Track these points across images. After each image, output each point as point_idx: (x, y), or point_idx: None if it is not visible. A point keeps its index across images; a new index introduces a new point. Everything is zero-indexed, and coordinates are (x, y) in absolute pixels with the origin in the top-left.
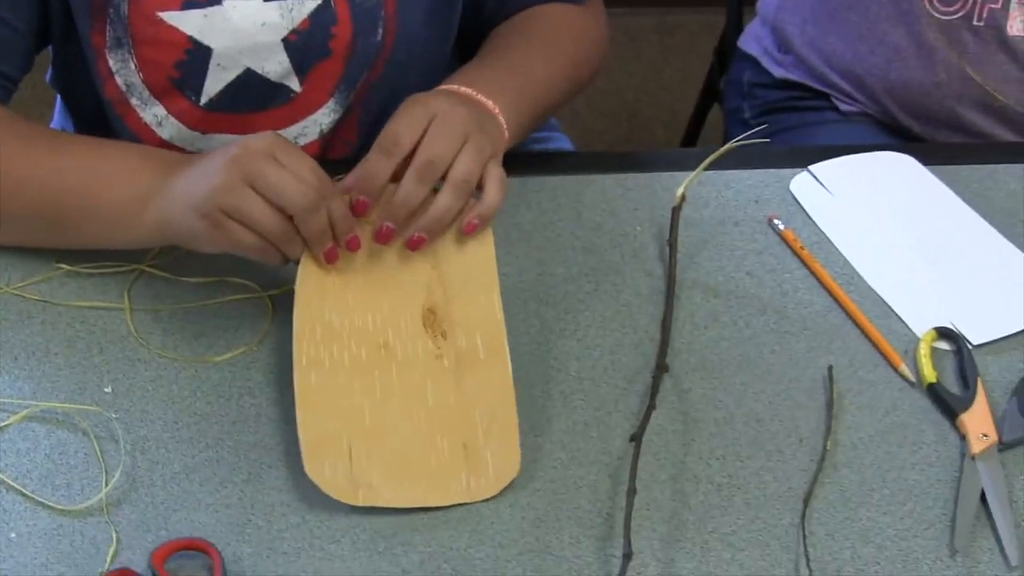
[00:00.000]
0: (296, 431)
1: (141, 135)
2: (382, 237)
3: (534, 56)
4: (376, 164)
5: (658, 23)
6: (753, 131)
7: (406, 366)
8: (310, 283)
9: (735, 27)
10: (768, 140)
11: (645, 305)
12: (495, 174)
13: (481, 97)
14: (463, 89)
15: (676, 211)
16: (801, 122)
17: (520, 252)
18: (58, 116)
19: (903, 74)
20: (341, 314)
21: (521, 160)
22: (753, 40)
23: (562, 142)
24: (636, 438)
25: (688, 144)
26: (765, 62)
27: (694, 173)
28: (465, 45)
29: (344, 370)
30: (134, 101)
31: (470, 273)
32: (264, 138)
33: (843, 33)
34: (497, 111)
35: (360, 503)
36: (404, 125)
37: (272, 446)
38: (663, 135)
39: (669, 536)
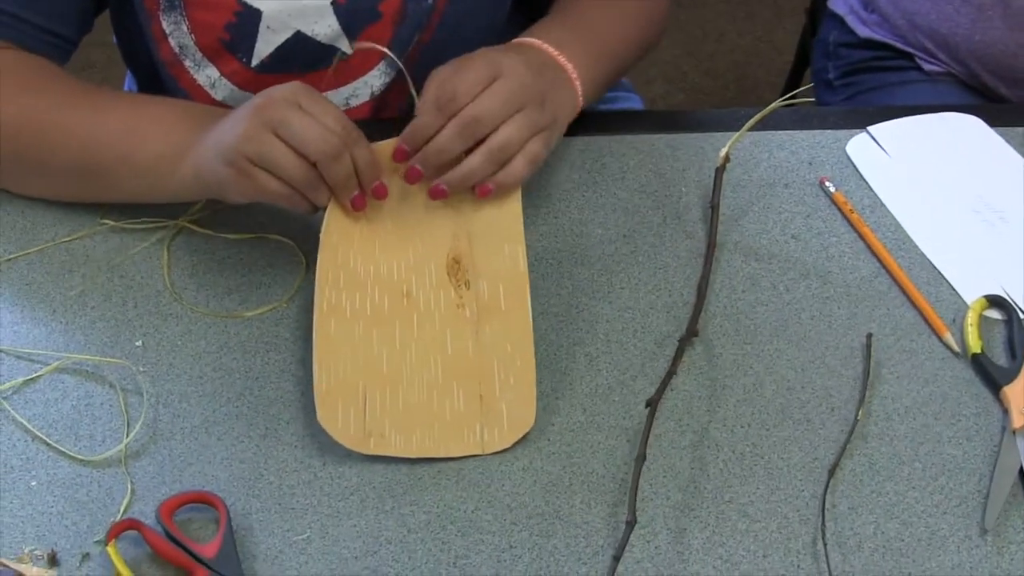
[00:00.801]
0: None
1: (196, 96)
2: (410, 177)
3: (610, 16)
4: (428, 122)
5: None
6: (799, 91)
7: (427, 316)
8: (336, 230)
9: None
10: (813, 100)
11: (683, 268)
12: (531, 150)
13: (562, 59)
14: (545, 47)
15: (719, 172)
16: (884, 82)
17: (559, 212)
18: (129, 77)
19: (988, 34)
20: (366, 262)
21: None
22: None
23: (634, 102)
24: (651, 403)
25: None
26: (850, 21)
27: (738, 134)
28: (534, 5)
29: (365, 318)
30: (188, 63)
31: (496, 224)
32: (289, 87)
33: None
34: (575, 76)
35: (371, 452)
36: (465, 81)
37: (292, 401)
38: (771, 97)
39: (683, 504)
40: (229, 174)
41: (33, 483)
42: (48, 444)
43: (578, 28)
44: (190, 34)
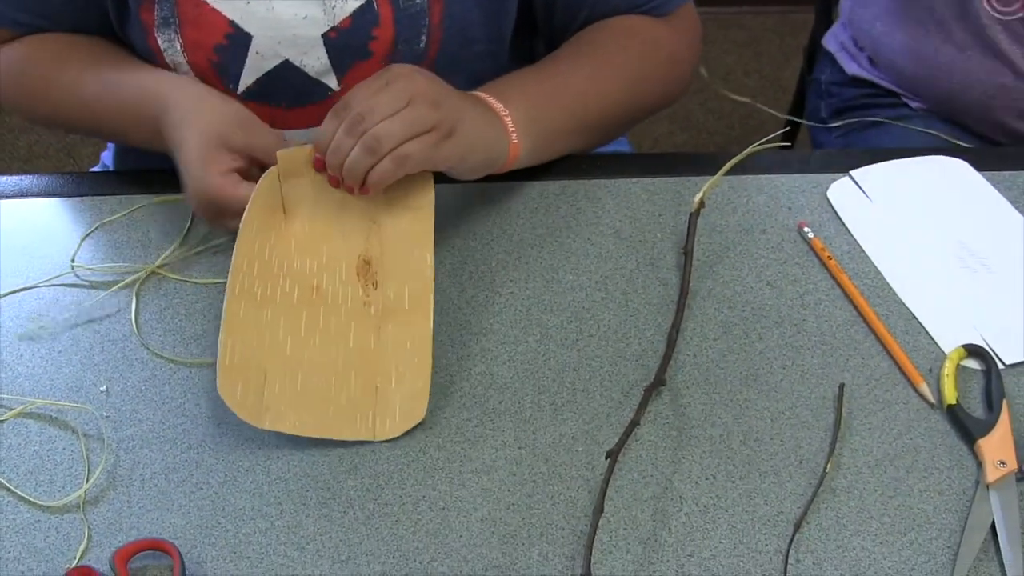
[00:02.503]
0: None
1: None
2: (332, 182)
3: (578, 66)
4: (325, 126)
5: (779, 22)
6: (773, 136)
7: (333, 309)
8: (256, 221)
9: (822, 25)
10: (789, 144)
11: (654, 316)
12: (404, 150)
13: (488, 98)
14: (479, 93)
15: (693, 217)
16: (874, 117)
17: (531, 257)
18: None
19: (967, 76)
20: (280, 256)
21: (541, 165)
22: (833, 37)
23: (621, 145)
24: (611, 455)
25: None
26: (840, 58)
27: (713, 178)
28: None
29: (273, 305)
30: None
31: (408, 228)
32: (205, 188)
33: (910, 30)
34: (504, 113)
35: (265, 427)
36: (359, 89)
37: (253, 449)
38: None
39: (643, 558)
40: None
41: None
42: (8, 489)
43: (528, 75)
44: (183, 52)
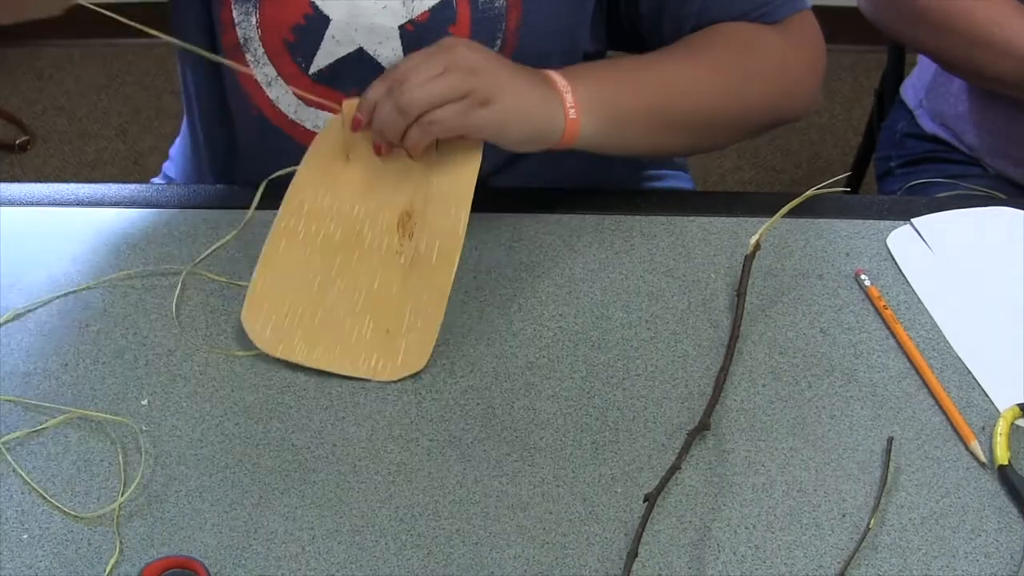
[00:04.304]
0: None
1: (250, 89)
2: (375, 147)
3: (669, 58)
4: (371, 88)
5: (854, 61)
6: (835, 180)
7: (367, 254)
8: (316, 165)
9: (896, 71)
10: (848, 189)
11: (703, 357)
12: (435, 115)
13: (553, 73)
14: (542, 69)
15: (748, 259)
16: (944, 173)
17: (582, 292)
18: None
19: None
20: (333, 198)
21: (599, 197)
22: (911, 89)
23: (683, 181)
24: (650, 498)
25: (853, 191)
26: (919, 114)
27: (770, 220)
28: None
29: (313, 245)
30: (248, 57)
31: (450, 185)
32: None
33: (999, 111)
34: (565, 90)
35: (276, 355)
36: (410, 56)
37: (288, 472)
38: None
39: None
40: None
41: (24, 536)
42: (44, 498)
43: (608, 63)
44: (257, 28)
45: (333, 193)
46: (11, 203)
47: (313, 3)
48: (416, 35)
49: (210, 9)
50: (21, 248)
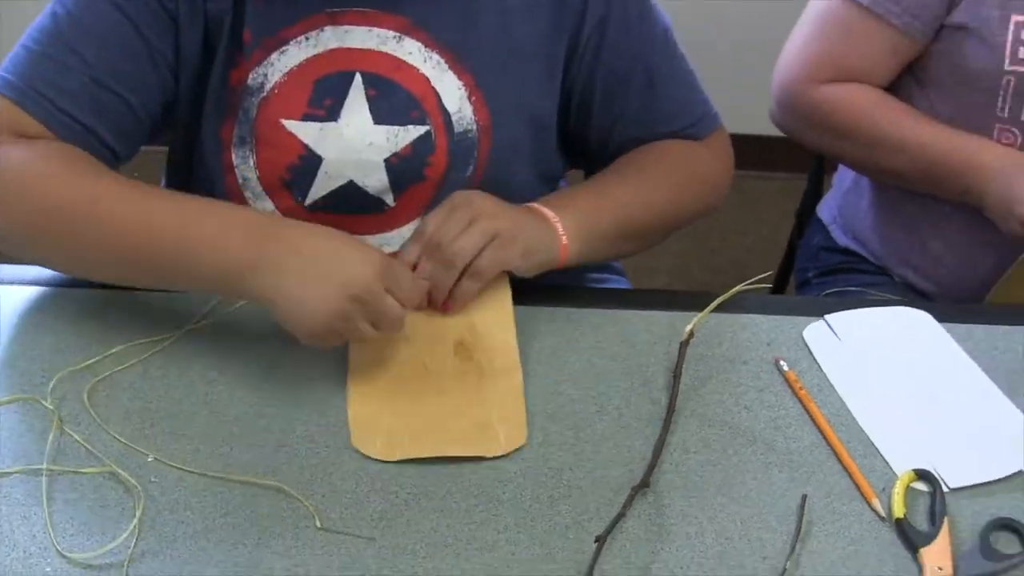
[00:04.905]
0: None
1: None
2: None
3: (622, 177)
4: (406, 249)
5: (778, 188)
6: (760, 277)
7: (438, 376)
8: None
9: (814, 192)
10: (769, 286)
11: (644, 428)
12: (479, 266)
13: (540, 207)
14: (532, 204)
15: (683, 345)
16: (857, 283)
17: (540, 373)
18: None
19: (957, 272)
20: (390, 347)
21: (553, 292)
22: (826, 207)
23: (622, 284)
24: (600, 539)
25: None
26: (833, 229)
27: (703, 313)
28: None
29: (387, 379)
30: (247, 194)
31: (492, 317)
32: (376, 266)
33: (900, 223)
34: (555, 220)
35: (396, 457)
36: (431, 215)
37: (284, 516)
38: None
39: None
40: (304, 331)
41: (47, 569)
42: (56, 548)
43: (577, 189)
44: (255, 169)
45: (389, 344)
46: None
47: (307, 145)
48: (400, 166)
49: (203, 157)
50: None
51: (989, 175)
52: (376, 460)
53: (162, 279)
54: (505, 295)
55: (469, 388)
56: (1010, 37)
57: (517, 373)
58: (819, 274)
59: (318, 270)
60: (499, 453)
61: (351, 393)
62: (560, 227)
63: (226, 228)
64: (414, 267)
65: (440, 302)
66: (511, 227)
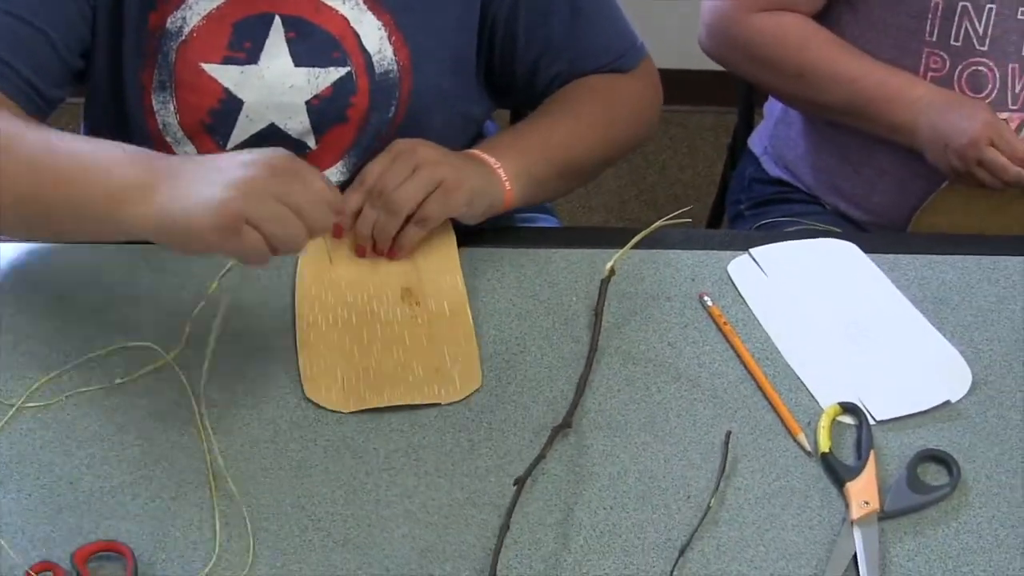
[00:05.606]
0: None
1: None
2: (358, 251)
3: (555, 117)
4: (347, 197)
5: (714, 122)
6: (680, 211)
7: (388, 323)
8: (309, 275)
9: (746, 124)
10: (689, 220)
11: (565, 368)
12: (424, 213)
13: (481, 154)
14: (473, 151)
15: (604, 283)
16: (789, 213)
17: None
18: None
19: (886, 200)
20: (335, 293)
21: (473, 233)
22: (757, 138)
23: (550, 223)
24: (519, 481)
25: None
26: (764, 161)
27: (623, 250)
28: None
29: (337, 329)
30: (168, 139)
31: (437, 261)
32: (280, 156)
33: (832, 154)
34: (497, 166)
35: (352, 409)
36: (373, 163)
37: (200, 469)
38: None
39: (545, 574)
40: (212, 227)
41: None
42: None
43: (513, 131)
44: (175, 113)
45: (333, 292)
46: None
47: (227, 89)
48: (321, 107)
49: (124, 101)
50: None
51: (919, 109)
52: (293, 409)
53: (54, 214)
54: (450, 239)
55: (420, 334)
56: None
57: (466, 316)
58: (751, 205)
59: (217, 163)
60: (456, 398)
61: (301, 344)
62: (503, 173)
63: (116, 155)
64: (357, 214)
65: (385, 249)
66: (455, 175)
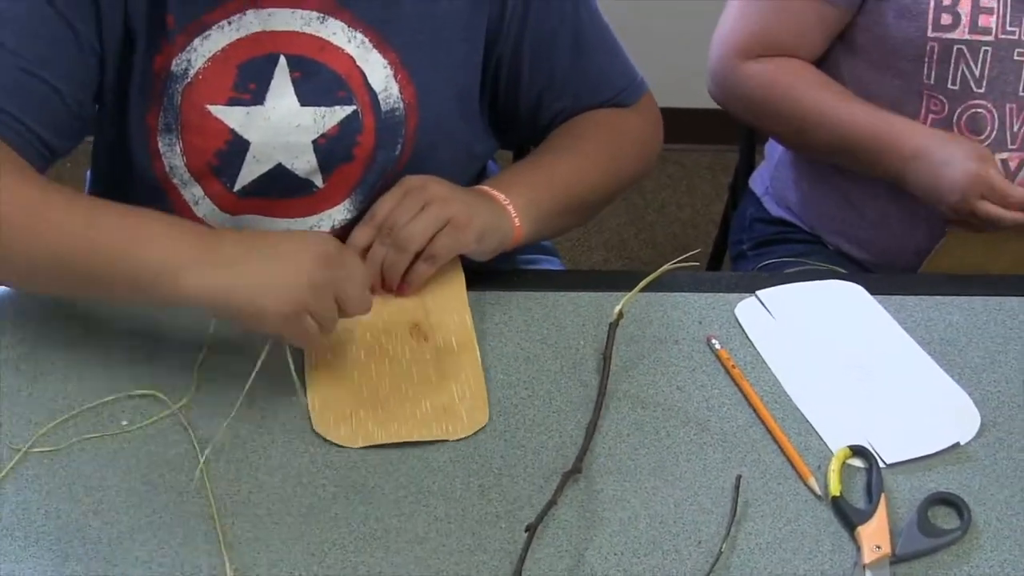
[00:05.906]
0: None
1: (180, 211)
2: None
3: (561, 153)
4: (357, 232)
5: (712, 160)
6: (687, 255)
7: (395, 359)
8: None
9: (746, 164)
10: (696, 264)
11: (574, 412)
12: (433, 249)
13: (490, 190)
14: (482, 187)
15: (613, 327)
16: (791, 253)
17: None
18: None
19: (889, 242)
20: (343, 329)
21: (481, 276)
22: (758, 178)
23: (554, 264)
24: (531, 528)
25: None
26: (765, 201)
27: (631, 293)
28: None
29: (345, 365)
30: (175, 181)
31: (444, 298)
32: (334, 247)
33: (834, 196)
34: (507, 202)
35: (360, 445)
36: (383, 199)
37: (209, 516)
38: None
39: None
40: (279, 313)
41: None
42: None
43: (520, 166)
44: (182, 156)
45: (341, 328)
46: None
47: (233, 130)
48: (328, 146)
49: (130, 144)
50: None
51: (908, 168)
52: (301, 454)
53: (98, 281)
54: (458, 276)
55: (428, 370)
56: (932, 4)
57: (474, 352)
58: (753, 246)
59: (278, 250)
60: (464, 435)
61: (310, 379)
62: (512, 209)
63: (170, 228)
64: (365, 250)
65: (394, 285)
66: (465, 211)
